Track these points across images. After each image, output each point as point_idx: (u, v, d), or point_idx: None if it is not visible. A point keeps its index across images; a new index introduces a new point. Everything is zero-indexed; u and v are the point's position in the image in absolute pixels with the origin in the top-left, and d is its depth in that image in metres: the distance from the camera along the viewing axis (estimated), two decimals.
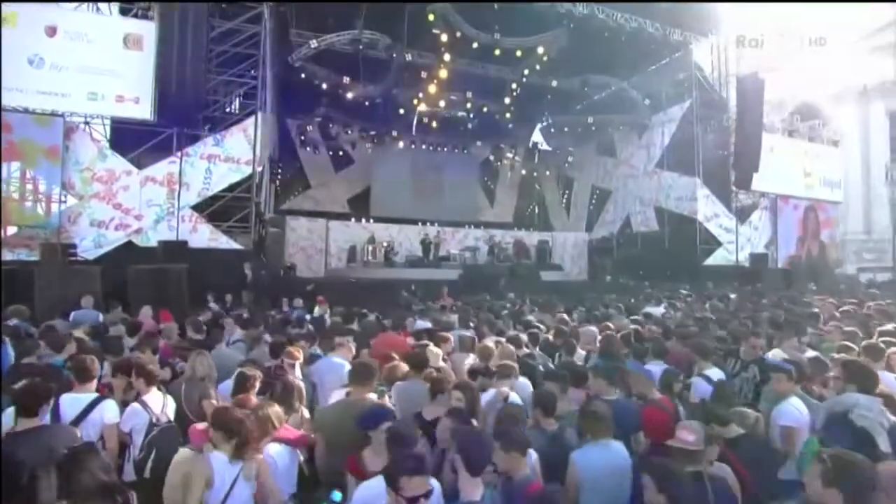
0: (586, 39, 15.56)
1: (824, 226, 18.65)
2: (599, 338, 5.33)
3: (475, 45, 15.64)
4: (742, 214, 17.61)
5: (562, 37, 15.39)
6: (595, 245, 20.92)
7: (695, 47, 16.55)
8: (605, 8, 14.93)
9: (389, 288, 12.03)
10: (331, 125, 19.68)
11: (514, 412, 2.98)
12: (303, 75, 14.78)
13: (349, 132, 20.40)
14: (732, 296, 10.57)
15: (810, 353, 4.65)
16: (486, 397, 3.44)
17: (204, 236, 11.48)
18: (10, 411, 2.72)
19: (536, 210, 26.49)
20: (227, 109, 12.65)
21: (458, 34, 15.11)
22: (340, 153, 22.23)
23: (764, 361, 4.23)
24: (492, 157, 24.51)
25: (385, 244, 18.04)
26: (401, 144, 22.28)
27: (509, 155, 24.72)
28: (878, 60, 29.51)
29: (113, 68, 10.80)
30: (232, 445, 2.49)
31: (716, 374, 4.06)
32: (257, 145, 12.04)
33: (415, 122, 20.44)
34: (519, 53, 16.28)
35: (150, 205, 11.15)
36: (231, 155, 11.78)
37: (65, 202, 10.56)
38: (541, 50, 15.96)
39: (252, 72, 12.54)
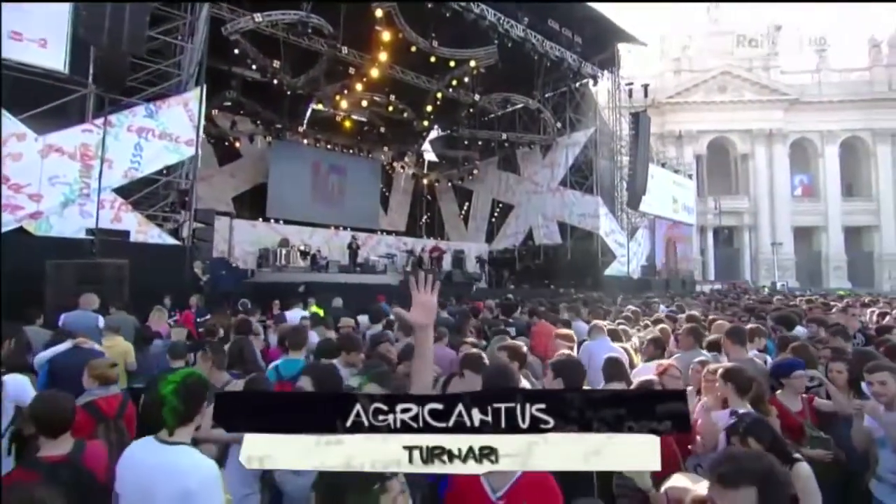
0: (515, 59, 16.54)
1: (680, 242, 22.67)
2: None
3: (413, 48, 15.52)
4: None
5: (494, 53, 16.14)
6: (496, 256, 22.02)
7: (599, 82, 18.86)
8: (538, 35, 16.13)
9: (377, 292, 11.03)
10: (240, 112, 17.34)
11: None
12: (236, 51, 12.79)
13: (258, 123, 18.21)
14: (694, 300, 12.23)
15: None
16: None
17: (130, 227, 9.14)
18: None
19: (426, 220, 26.76)
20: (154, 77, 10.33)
21: (401, 35, 14.87)
22: (231, 145, 19.61)
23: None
24: (394, 164, 24.16)
25: (301, 247, 16.48)
26: (305, 141, 20.67)
27: (407, 161, 24.67)
28: (685, 115, 39.99)
29: None
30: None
31: None
32: (201, 123, 10.13)
33: (325, 119, 19.22)
34: (452, 64, 16.60)
35: (55, 183, 8.49)
36: (168, 131, 9.66)
37: None
38: (472, 63, 16.52)
39: (178, 37, 10.66)
